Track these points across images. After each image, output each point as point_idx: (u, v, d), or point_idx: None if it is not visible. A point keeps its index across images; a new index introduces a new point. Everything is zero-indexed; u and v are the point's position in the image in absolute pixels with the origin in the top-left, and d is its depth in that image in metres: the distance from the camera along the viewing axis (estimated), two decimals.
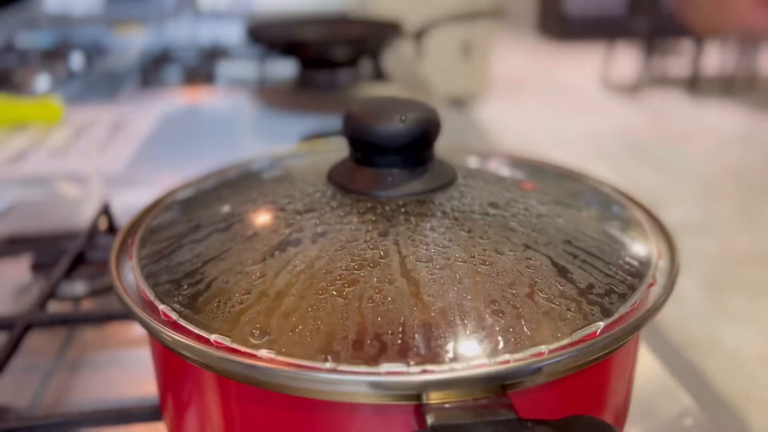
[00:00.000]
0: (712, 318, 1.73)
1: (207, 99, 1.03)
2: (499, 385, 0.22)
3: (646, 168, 2.75)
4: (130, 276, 0.30)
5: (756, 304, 1.79)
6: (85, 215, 0.59)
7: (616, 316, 0.25)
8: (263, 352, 0.23)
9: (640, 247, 0.30)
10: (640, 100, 3.65)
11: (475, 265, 0.26)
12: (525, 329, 0.23)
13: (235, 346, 0.23)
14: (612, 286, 0.27)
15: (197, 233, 0.31)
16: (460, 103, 3.48)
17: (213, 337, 0.24)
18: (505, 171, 0.38)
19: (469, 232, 0.28)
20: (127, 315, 0.41)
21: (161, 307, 0.26)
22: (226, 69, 1.18)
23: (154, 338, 0.27)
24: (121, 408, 0.33)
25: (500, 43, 4.56)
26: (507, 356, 0.22)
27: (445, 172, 0.33)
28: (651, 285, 0.28)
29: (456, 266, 0.26)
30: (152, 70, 1.14)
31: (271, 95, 1.03)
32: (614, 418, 0.28)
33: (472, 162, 0.38)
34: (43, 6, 1.66)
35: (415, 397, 0.22)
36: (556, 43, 5.06)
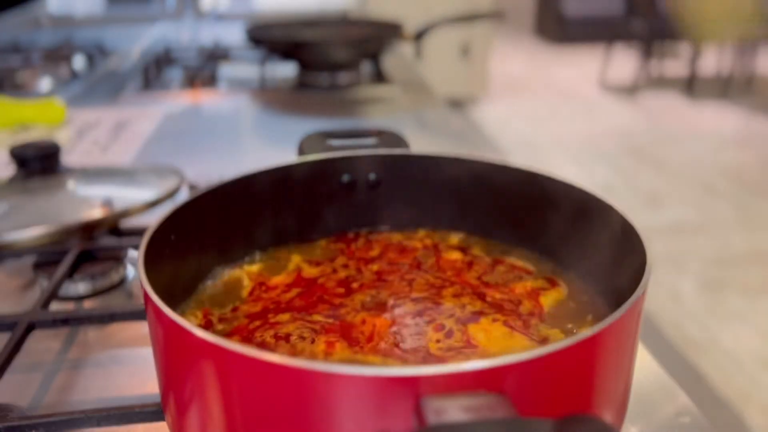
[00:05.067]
0: (709, 317, 1.73)
1: (208, 100, 1.03)
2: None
3: (643, 168, 2.75)
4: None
5: (753, 303, 1.79)
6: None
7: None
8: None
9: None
10: (637, 102, 3.65)
11: None
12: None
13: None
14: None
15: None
16: (459, 104, 3.49)
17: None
18: None
19: None
20: (128, 315, 0.41)
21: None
22: (226, 70, 1.18)
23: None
24: (123, 406, 0.34)
25: (499, 45, 4.57)
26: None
27: None
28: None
29: None
30: (154, 71, 1.14)
31: (271, 96, 1.03)
32: (613, 416, 0.29)
33: None
34: (46, 7, 1.67)
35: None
36: (555, 44, 5.07)
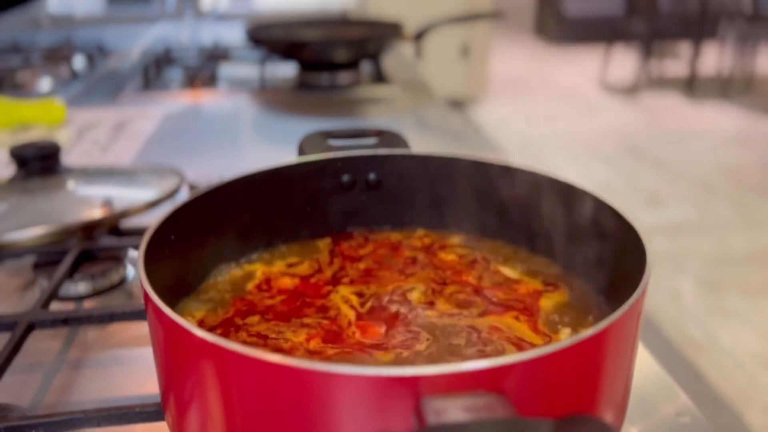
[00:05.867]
0: (709, 317, 1.73)
1: (208, 100, 1.03)
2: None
3: (643, 168, 2.75)
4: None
5: (753, 303, 1.79)
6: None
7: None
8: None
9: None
10: (637, 102, 3.65)
11: None
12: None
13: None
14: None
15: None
16: (459, 104, 3.48)
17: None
18: None
19: None
20: (128, 315, 0.41)
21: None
22: (226, 70, 1.18)
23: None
24: (123, 406, 0.34)
25: (499, 45, 4.57)
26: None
27: None
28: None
29: None
30: (154, 71, 1.14)
31: (271, 96, 1.03)
32: (613, 416, 0.29)
33: None
34: (46, 7, 1.67)
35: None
36: (555, 44, 5.07)
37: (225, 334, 0.34)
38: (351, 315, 0.35)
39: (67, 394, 0.38)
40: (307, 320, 0.35)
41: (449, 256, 0.42)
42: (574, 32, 4.97)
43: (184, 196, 0.40)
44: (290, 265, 0.41)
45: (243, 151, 0.81)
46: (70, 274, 0.47)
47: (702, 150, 2.92)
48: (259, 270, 0.41)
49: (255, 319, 0.35)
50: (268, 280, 0.40)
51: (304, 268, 0.41)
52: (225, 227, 0.41)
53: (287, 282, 0.39)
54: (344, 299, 0.37)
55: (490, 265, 0.41)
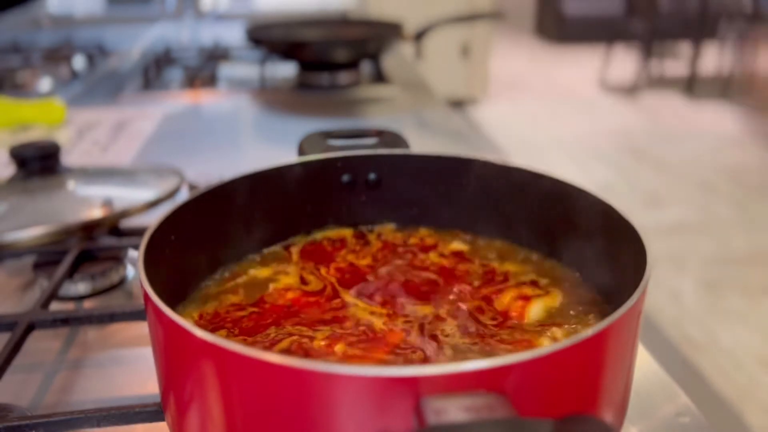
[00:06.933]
0: (709, 317, 1.73)
1: (208, 100, 1.03)
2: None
3: (643, 169, 2.75)
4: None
5: (753, 303, 1.79)
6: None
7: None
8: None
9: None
10: (637, 102, 3.65)
11: None
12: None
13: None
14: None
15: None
16: (459, 104, 3.48)
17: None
18: None
19: None
20: (128, 315, 0.41)
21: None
22: (226, 70, 1.18)
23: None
24: (123, 406, 0.34)
25: (499, 45, 4.57)
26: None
27: None
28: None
29: None
30: (154, 71, 1.14)
31: (271, 96, 1.03)
32: (613, 416, 0.29)
33: None
34: (46, 7, 1.67)
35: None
36: (555, 44, 5.07)
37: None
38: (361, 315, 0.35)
39: (67, 394, 0.38)
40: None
41: (447, 259, 0.42)
42: (574, 32, 4.97)
43: (184, 196, 0.40)
44: (290, 272, 0.41)
45: (243, 151, 0.81)
46: (70, 274, 0.47)
47: (702, 150, 2.92)
48: (265, 273, 0.41)
49: (223, 333, 0.35)
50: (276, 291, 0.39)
51: (300, 273, 0.41)
52: (225, 227, 0.41)
53: (289, 294, 0.39)
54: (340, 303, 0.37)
55: (488, 265, 0.41)
